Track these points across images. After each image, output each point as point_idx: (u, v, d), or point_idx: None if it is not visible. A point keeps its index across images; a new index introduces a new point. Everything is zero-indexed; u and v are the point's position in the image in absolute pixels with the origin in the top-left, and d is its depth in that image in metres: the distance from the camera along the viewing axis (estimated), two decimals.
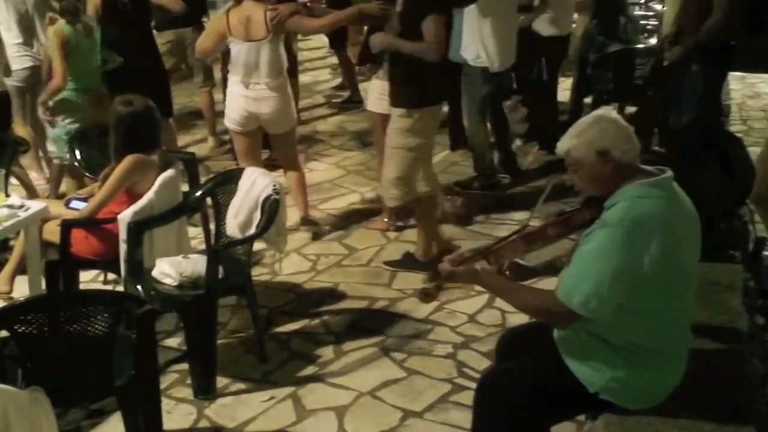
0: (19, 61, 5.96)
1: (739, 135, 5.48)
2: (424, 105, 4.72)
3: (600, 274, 2.54)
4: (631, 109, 7.46)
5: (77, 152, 5.02)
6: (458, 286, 4.49)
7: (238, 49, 5.13)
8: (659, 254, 2.53)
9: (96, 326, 3.05)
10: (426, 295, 2.86)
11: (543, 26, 6.71)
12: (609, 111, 2.78)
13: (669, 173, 2.69)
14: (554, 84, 7.11)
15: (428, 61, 4.55)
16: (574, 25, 8.14)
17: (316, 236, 5.51)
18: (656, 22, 7.89)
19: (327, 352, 4.25)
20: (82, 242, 4.19)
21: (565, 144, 2.71)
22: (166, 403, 3.72)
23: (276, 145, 5.58)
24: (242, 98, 5.19)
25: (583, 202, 2.79)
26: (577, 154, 2.67)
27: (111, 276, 4.73)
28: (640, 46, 7.31)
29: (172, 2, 6.20)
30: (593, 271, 2.56)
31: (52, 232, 4.25)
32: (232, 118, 5.29)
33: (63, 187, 5.81)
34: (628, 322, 2.64)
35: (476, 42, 5.83)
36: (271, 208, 4.04)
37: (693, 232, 2.71)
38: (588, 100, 7.46)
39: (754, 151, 4.91)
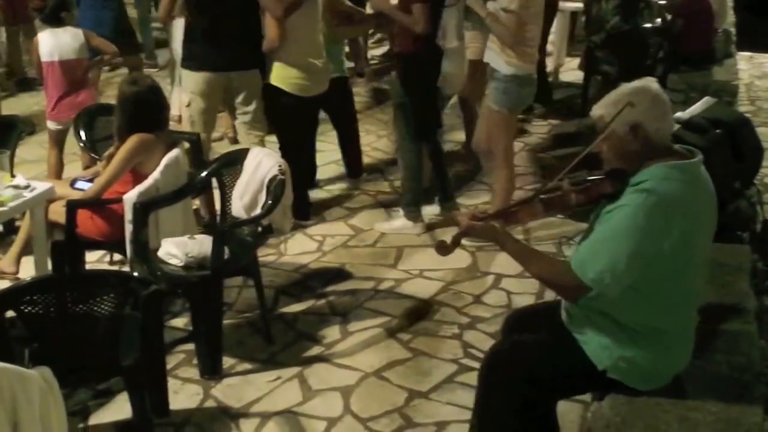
0: None
1: (747, 115, 5.44)
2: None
3: (617, 253, 2.52)
4: None
5: (82, 132, 5.01)
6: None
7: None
8: (678, 238, 2.51)
9: (102, 307, 3.05)
10: (442, 248, 2.91)
11: None
12: (651, 83, 2.68)
13: (698, 158, 2.64)
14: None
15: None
16: (580, 5, 8.11)
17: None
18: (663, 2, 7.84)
19: (333, 332, 4.25)
20: (87, 223, 4.19)
21: (599, 110, 2.67)
22: (172, 384, 3.73)
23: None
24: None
25: (606, 172, 2.72)
26: (608, 122, 2.62)
27: (117, 257, 4.73)
28: (648, 25, 7.26)
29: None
30: (611, 249, 2.54)
31: (57, 212, 4.24)
32: None
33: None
34: (637, 302, 2.63)
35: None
36: (277, 189, 4.03)
37: (710, 217, 2.69)
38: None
39: (762, 132, 4.89)
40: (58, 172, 5.77)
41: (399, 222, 5.40)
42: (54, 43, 5.56)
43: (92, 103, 5.65)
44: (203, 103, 5.23)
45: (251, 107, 5.30)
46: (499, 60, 4.84)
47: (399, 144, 5.43)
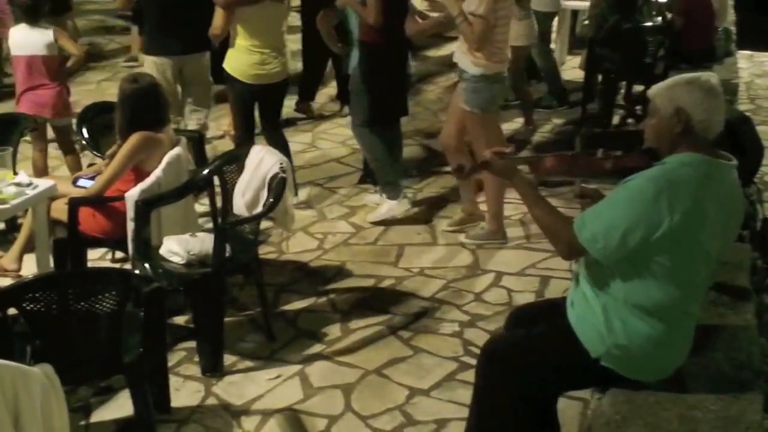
0: None
1: (747, 114, 5.44)
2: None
3: (616, 220, 2.57)
4: (639, 88, 7.43)
5: (84, 130, 5.02)
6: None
7: None
8: (679, 222, 2.52)
9: (104, 304, 3.06)
10: (459, 171, 3.06)
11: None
12: (712, 77, 2.70)
13: (732, 162, 2.68)
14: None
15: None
16: (585, 4, 8.12)
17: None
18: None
19: (334, 330, 4.26)
20: (89, 220, 4.19)
21: (655, 89, 2.74)
22: (174, 381, 3.74)
23: None
24: None
25: (639, 150, 2.79)
26: (659, 102, 2.69)
27: (119, 254, 4.74)
28: (649, 24, 7.27)
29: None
30: (612, 215, 2.59)
31: (59, 210, 4.25)
32: None
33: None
34: (635, 282, 2.64)
35: None
36: (279, 187, 4.03)
37: (725, 221, 2.68)
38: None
39: (762, 130, 4.90)
40: (41, 172, 5.56)
41: (384, 206, 5.44)
42: (22, 38, 5.47)
43: (57, 102, 5.50)
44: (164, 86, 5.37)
45: (198, 88, 5.81)
46: (466, 60, 4.86)
47: (355, 131, 5.50)
